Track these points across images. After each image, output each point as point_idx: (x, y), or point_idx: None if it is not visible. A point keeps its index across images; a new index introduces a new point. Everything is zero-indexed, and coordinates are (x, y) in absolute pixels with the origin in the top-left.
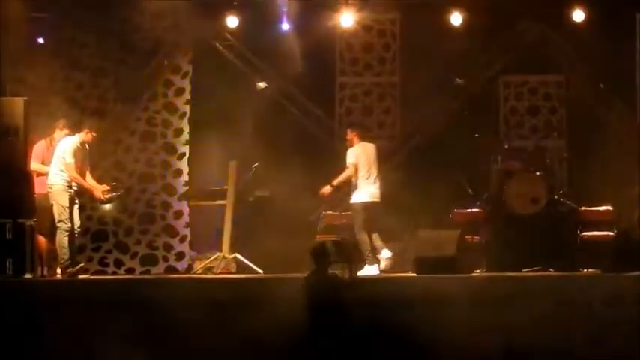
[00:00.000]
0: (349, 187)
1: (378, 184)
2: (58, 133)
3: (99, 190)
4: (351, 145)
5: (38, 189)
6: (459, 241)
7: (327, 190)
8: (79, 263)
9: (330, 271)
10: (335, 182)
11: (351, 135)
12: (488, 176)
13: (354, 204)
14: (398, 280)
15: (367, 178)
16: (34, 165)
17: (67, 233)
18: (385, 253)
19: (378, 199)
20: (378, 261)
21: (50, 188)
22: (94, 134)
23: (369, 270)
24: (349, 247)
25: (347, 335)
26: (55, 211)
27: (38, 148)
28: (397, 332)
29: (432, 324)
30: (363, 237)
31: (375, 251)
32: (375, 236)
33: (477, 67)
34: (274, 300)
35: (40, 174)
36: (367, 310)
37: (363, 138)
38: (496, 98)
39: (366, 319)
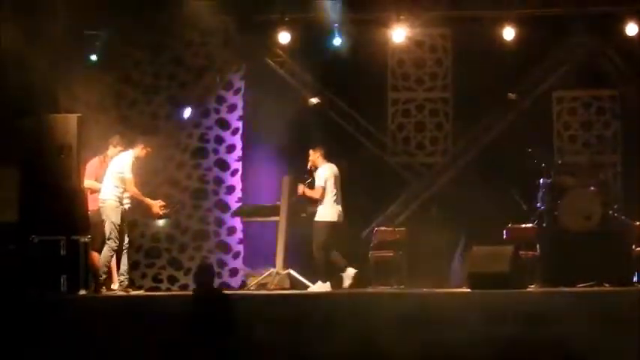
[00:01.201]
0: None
1: (340, 204)
2: (111, 150)
3: (156, 205)
4: (315, 165)
5: (90, 205)
6: (513, 257)
7: (300, 188)
8: (132, 281)
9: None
10: (307, 192)
11: (314, 155)
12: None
13: (320, 222)
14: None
15: (334, 199)
16: (88, 182)
17: (114, 252)
18: (349, 271)
19: (342, 219)
20: (331, 279)
21: (102, 203)
22: (148, 149)
23: (321, 286)
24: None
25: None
26: (107, 227)
27: (92, 165)
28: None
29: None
30: (320, 255)
31: (338, 269)
32: (336, 254)
33: (530, 82)
34: (327, 316)
35: (93, 191)
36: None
37: (327, 158)
38: (549, 113)
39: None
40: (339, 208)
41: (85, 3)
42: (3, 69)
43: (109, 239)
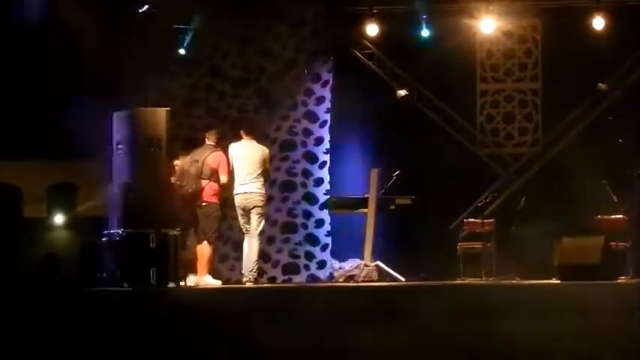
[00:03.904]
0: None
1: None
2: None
3: None
4: None
5: (213, 198)
6: (604, 248)
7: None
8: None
9: None
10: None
11: None
12: (632, 182)
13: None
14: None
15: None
16: (224, 178)
17: None
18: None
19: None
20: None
21: (263, 197)
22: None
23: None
24: None
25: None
26: (261, 221)
27: (222, 158)
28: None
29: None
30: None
31: None
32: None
33: (620, 72)
34: (416, 309)
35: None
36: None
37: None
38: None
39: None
40: None
41: None
42: (94, 64)
43: (262, 232)
